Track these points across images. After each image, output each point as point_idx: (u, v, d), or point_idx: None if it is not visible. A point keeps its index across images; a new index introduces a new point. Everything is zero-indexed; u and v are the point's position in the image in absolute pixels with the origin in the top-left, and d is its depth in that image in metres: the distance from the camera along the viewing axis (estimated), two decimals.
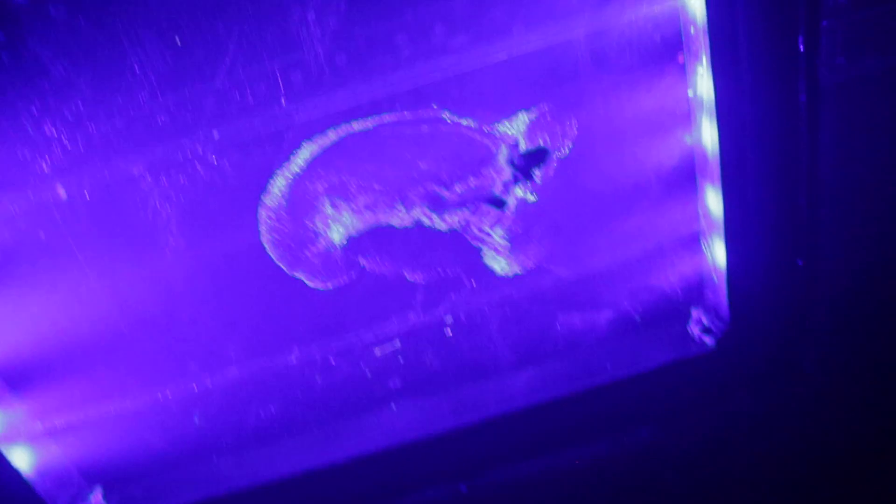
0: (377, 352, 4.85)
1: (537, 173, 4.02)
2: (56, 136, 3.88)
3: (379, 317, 4.74)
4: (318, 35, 3.77)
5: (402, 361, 4.92)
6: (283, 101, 3.96)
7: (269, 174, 4.21)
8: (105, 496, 4.90)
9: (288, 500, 4.77)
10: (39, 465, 4.67)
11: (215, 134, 4.03)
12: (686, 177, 4.34)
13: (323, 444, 5.01)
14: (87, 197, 4.10)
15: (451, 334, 4.79)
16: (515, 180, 4.07)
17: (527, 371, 4.89)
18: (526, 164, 3.99)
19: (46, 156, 3.93)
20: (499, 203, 4.08)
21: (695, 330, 4.67)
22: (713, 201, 4.25)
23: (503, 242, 4.32)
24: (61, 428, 4.70)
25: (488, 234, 4.26)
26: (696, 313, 4.72)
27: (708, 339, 4.59)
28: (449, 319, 4.73)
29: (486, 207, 4.13)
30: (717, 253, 4.38)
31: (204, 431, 4.90)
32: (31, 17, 3.59)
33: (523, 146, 4.03)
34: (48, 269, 4.25)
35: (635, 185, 4.36)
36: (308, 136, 4.13)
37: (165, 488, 4.94)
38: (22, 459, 4.57)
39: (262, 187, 4.24)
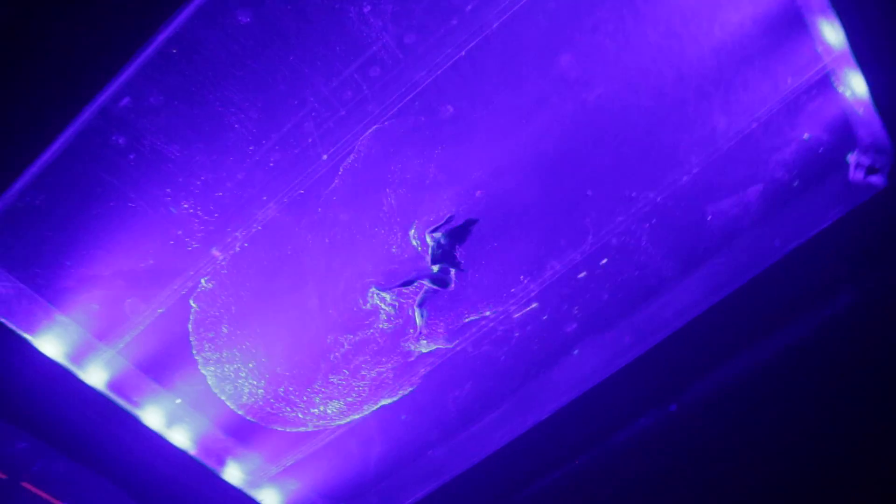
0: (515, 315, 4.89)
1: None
2: (193, 209, 4.26)
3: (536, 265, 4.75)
4: None
5: (574, 308, 4.90)
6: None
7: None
8: None
9: (506, 466, 4.90)
10: (286, 501, 5.15)
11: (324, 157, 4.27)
12: (793, 18, 4.02)
13: (524, 408, 5.10)
14: (240, 247, 4.46)
15: (606, 262, 4.71)
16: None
17: (694, 275, 4.70)
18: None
19: (193, 228, 4.32)
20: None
21: (858, 175, 4.29)
22: (830, 33, 3.91)
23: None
24: (295, 463, 5.14)
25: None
26: (853, 158, 4.33)
27: (876, 179, 4.21)
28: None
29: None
30: (854, 84, 4.01)
31: (413, 427, 5.15)
32: (136, 113, 3.97)
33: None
34: (243, 327, 4.67)
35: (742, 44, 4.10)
36: None
37: (396, 491, 5.24)
38: (270, 499, 5.07)
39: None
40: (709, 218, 4.56)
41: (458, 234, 4.39)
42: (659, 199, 4.48)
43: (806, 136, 4.36)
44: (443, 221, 4.43)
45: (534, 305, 4.84)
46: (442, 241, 4.37)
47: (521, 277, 4.71)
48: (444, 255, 4.37)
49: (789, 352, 4.57)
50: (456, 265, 4.41)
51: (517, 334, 4.92)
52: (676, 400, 4.77)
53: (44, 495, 4.46)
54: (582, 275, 4.70)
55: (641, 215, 4.55)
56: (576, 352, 5.05)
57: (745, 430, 4.62)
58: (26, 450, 4.46)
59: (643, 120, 4.21)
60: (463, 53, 4.03)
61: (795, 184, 4.50)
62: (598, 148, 4.31)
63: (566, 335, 4.98)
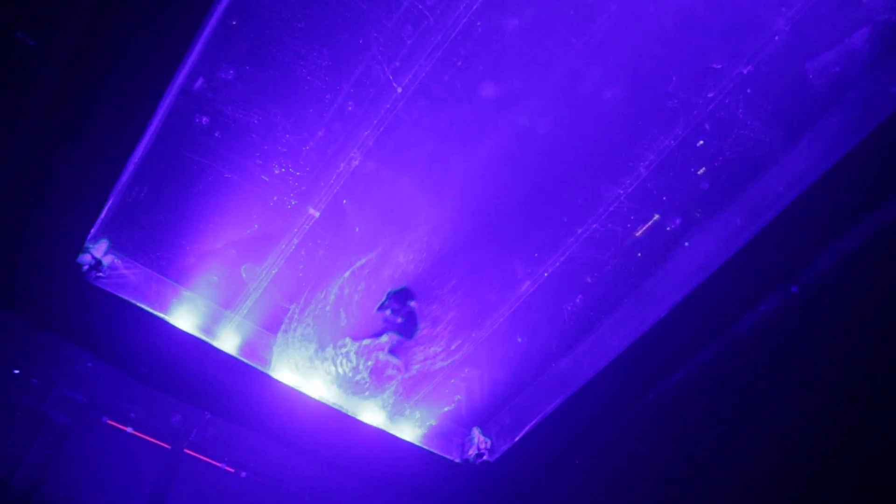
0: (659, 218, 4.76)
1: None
2: (284, 170, 4.37)
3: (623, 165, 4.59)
4: None
5: (677, 198, 4.71)
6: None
7: None
8: (483, 432, 5.47)
9: (631, 369, 4.88)
10: (423, 434, 5.38)
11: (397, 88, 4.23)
12: None
13: (642, 307, 5.03)
14: (342, 202, 4.55)
15: (702, 144, 4.48)
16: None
17: (802, 142, 4.39)
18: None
19: (286, 190, 4.44)
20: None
21: None
22: None
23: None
24: (426, 396, 5.35)
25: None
26: None
27: None
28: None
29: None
30: None
31: (532, 345, 5.21)
32: (213, 90, 4.06)
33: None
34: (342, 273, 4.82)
35: None
36: None
37: (526, 407, 5.36)
38: (409, 433, 5.32)
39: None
40: (811, 76, 4.20)
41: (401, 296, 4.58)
42: (749, 67, 4.16)
43: None
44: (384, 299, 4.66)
45: (656, 217, 4.72)
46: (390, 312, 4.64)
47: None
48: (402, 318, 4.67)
49: None
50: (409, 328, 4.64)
51: (621, 234, 4.81)
52: (795, 281, 4.54)
53: (205, 458, 4.88)
54: (702, 170, 4.49)
55: (733, 87, 4.25)
56: (686, 243, 4.89)
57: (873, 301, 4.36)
58: (181, 421, 4.88)
59: None
60: None
61: None
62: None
63: (673, 228, 4.82)
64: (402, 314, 4.86)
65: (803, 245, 4.59)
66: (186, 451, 4.90)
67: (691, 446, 4.94)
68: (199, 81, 4.03)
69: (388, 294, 4.79)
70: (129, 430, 4.73)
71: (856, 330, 4.59)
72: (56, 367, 4.59)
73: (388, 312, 4.78)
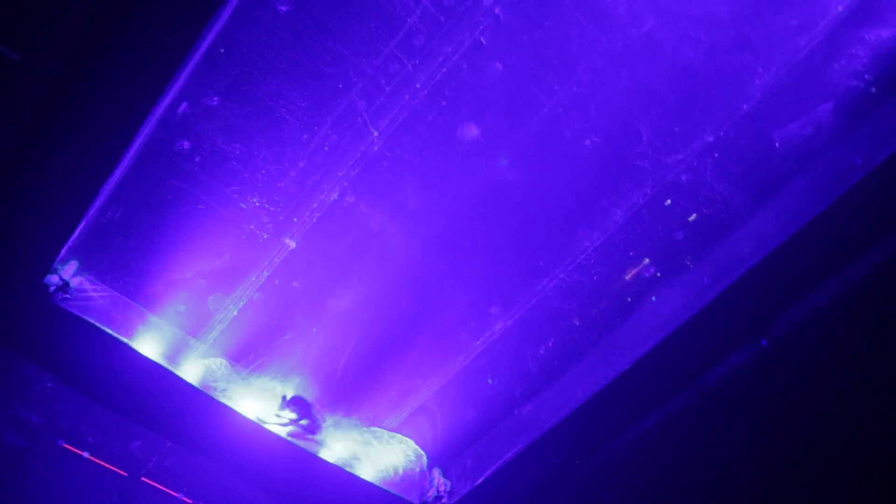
0: (629, 275, 4.84)
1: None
2: (259, 203, 4.40)
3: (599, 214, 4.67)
4: None
5: (644, 256, 4.82)
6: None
7: None
8: (443, 474, 5.44)
9: (595, 417, 4.91)
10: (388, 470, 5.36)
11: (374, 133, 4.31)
12: None
13: (608, 358, 5.08)
14: (307, 233, 4.57)
15: (670, 204, 4.59)
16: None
17: (768, 206, 4.52)
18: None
19: (262, 220, 4.47)
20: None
21: None
22: None
23: None
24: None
25: None
26: None
27: None
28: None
29: None
30: None
31: (497, 389, 5.23)
32: (196, 117, 4.11)
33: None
34: (315, 310, 4.83)
35: None
36: None
37: (489, 451, 5.35)
38: (370, 470, 5.29)
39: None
40: (777, 144, 4.34)
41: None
42: (720, 132, 4.30)
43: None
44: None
45: (645, 262, 4.79)
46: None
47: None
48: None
49: (881, 274, 4.35)
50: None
51: (588, 286, 4.88)
52: (765, 335, 4.63)
53: (163, 488, 4.80)
54: (670, 228, 4.58)
55: (702, 150, 4.38)
56: (653, 298, 4.97)
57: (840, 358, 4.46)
58: (140, 448, 4.80)
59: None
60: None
61: (872, 91, 4.21)
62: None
63: (640, 282, 4.90)
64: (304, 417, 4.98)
65: (771, 302, 4.69)
66: (144, 479, 4.81)
67: (656, 498, 4.95)
68: (183, 106, 4.07)
69: (283, 399, 4.96)
70: (86, 454, 4.64)
71: (824, 383, 4.67)
72: (14, 386, 4.51)
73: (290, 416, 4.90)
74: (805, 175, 4.39)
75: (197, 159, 4.18)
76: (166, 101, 3.91)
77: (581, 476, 5.07)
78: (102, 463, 4.64)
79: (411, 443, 5.53)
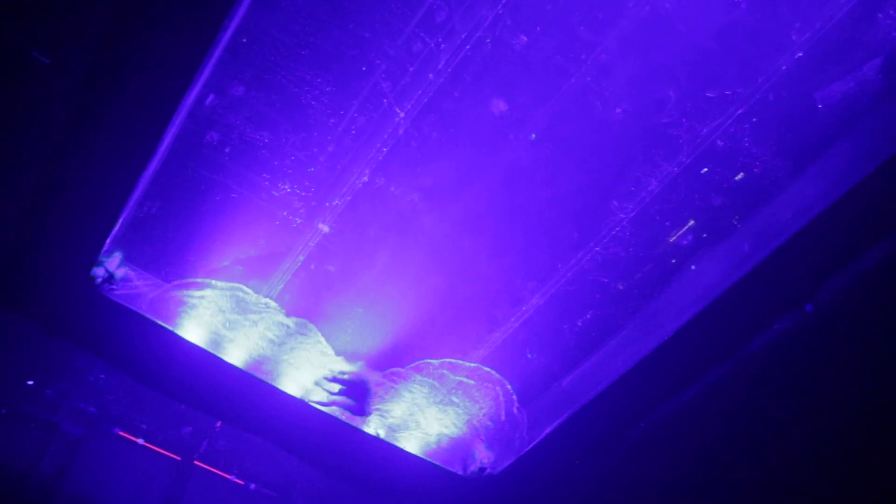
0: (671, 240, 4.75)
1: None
2: (291, 189, 4.44)
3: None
4: None
5: (687, 221, 4.71)
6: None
7: None
8: (487, 446, 5.52)
9: (633, 390, 4.89)
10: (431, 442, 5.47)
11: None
12: None
13: (646, 329, 5.03)
14: (340, 217, 4.60)
15: (707, 171, 4.45)
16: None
17: (810, 171, 4.35)
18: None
19: (295, 206, 4.51)
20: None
21: None
22: None
23: None
24: None
25: None
26: None
27: None
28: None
29: None
30: None
31: (537, 363, 5.24)
32: (223, 108, 4.14)
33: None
34: (350, 293, 4.90)
35: None
36: None
37: (531, 424, 5.40)
38: (413, 443, 5.40)
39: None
40: (819, 106, 4.15)
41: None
42: (757, 96, 4.12)
43: None
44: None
45: (690, 224, 4.70)
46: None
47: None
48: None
49: None
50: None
51: (624, 255, 4.81)
52: (810, 299, 4.52)
53: (215, 470, 5.01)
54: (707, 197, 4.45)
55: (738, 115, 4.22)
56: (693, 267, 4.87)
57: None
58: (191, 433, 5.00)
59: None
60: None
61: None
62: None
63: (678, 252, 4.80)
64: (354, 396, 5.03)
65: (812, 271, 4.56)
66: (197, 462, 5.01)
67: (701, 466, 4.94)
68: (210, 98, 4.10)
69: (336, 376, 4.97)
70: (141, 441, 4.85)
71: (871, 348, 4.56)
72: (69, 378, 4.72)
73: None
74: (849, 137, 4.20)
75: (227, 150, 4.22)
76: (193, 93, 3.94)
77: (621, 446, 5.08)
78: (157, 449, 4.85)
79: (454, 413, 5.61)
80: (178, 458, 4.94)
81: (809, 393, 4.73)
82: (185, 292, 4.88)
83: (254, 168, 4.41)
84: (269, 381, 5.05)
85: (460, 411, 5.49)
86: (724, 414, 4.95)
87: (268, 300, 4.79)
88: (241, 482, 5.07)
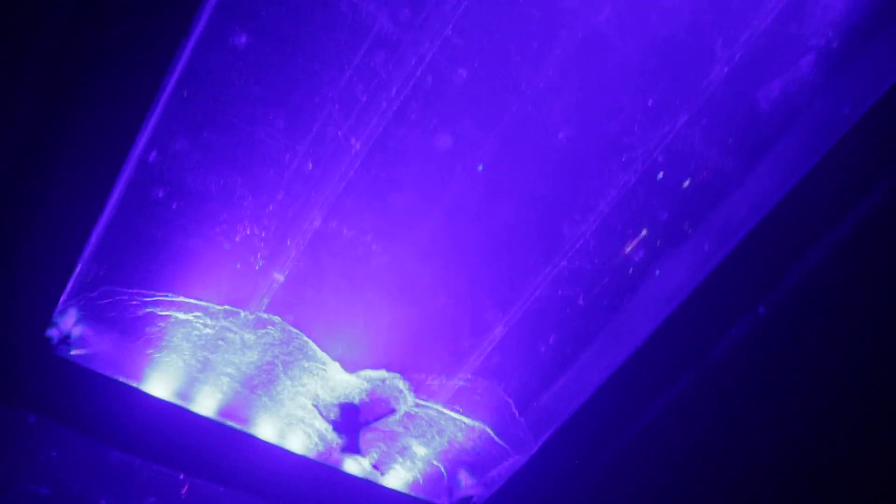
0: (629, 249, 4.78)
1: None
2: (245, 237, 4.36)
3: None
4: None
5: (642, 228, 4.75)
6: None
7: None
8: (470, 475, 5.44)
9: (611, 401, 4.88)
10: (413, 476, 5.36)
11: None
12: None
13: (615, 340, 5.04)
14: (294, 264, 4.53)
15: (662, 177, 4.51)
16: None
17: (761, 166, 4.43)
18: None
19: (250, 254, 4.43)
20: None
21: None
22: None
23: None
24: None
25: None
26: None
27: None
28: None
29: None
30: None
31: (516, 384, 5.19)
32: (167, 162, 4.07)
33: None
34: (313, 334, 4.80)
35: None
36: None
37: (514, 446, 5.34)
38: (396, 480, 5.29)
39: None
40: (762, 104, 4.24)
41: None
42: (703, 99, 4.20)
43: None
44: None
45: (643, 233, 4.72)
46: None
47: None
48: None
49: (877, 221, 4.28)
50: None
51: (590, 268, 4.81)
52: (762, 302, 4.59)
53: None
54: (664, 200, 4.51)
55: (687, 120, 4.29)
56: (657, 272, 4.91)
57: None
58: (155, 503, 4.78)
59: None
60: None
61: (853, 38, 4.09)
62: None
63: (640, 259, 4.83)
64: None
65: (771, 265, 4.63)
66: None
67: (676, 480, 4.93)
68: (153, 155, 4.02)
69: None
70: None
71: (825, 343, 4.64)
72: (20, 447, 4.50)
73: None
74: (794, 131, 4.30)
75: (174, 206, 4.14)
76: (138, 147, 3.86)
77: (602, 462, 5.05)
78: None
79: (438, 444, 5.52)
80: None
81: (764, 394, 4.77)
82: (152, 338, 4.73)
83: (204, 221, 4.31)
84: (244, 429, 4.92)
85: (443, 442, 5.41)
86: (704, 418, 4.97)
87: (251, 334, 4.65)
88: None
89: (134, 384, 4.61)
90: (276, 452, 4.97)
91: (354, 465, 5.28)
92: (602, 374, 4.97)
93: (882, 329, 4.47)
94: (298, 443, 5.10)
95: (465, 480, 5.38)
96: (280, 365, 4.85)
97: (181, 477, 4.78)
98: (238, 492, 4.99)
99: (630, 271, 4.84)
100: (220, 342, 4.77)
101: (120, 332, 4.61)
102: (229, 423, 4.87)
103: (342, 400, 5.02)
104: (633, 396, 4.96)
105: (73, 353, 4.44)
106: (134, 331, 4.65)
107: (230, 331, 4.68)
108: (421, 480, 5.45)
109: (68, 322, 4.50)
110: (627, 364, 4.87)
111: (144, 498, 4.75)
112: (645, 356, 4.86)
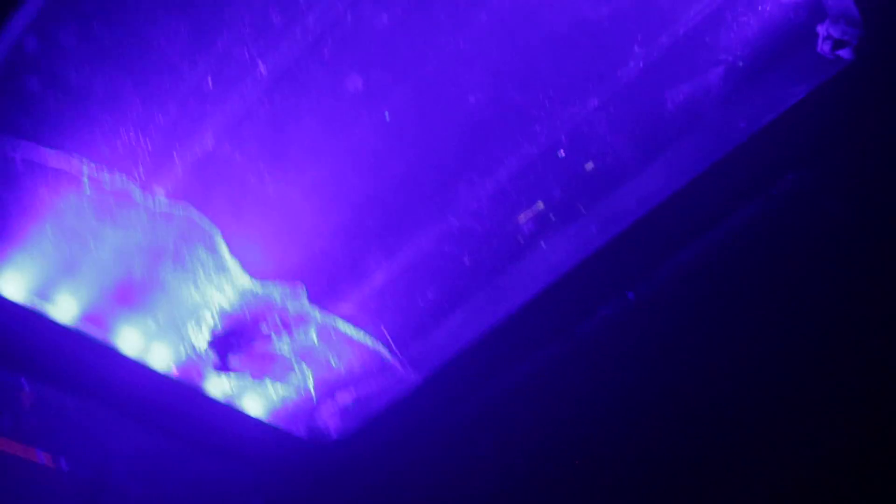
0: (522, 219, 4.84)
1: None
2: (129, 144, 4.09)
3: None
4: None
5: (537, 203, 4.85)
6: None
7: None
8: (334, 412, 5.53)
9: (480, 357, 5.05)
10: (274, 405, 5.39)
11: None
12: None
13: (494, 301, 5.18)
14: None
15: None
16: None
17: (657, 162, 4.59)
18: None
19: (132, 167, 4.17)
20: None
21: (826, 48, 4.05)
22: None
23: None
24: None
25: None
26: (822, 29, 4.06)
27: (843, 53, 3.99)
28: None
29: None
30: None
31: (390, 332, 5.25)
32: (47, 51, 3.69)
33: None
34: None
35: None
36: None
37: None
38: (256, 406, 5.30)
39: None
40: (668, 104, 4.36)
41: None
42: (615, 88, 4.27)
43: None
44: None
45: (539, 206, 4.79)
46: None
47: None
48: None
49: (750, 232, 4.59)
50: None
51: (478, 232, 4.88)
52: (632, 288, 4.86)
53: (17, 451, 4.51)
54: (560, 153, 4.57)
55: (596, 105, 4.36)
56: (543, 245, 5.05)
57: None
58: None
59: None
60: None
61: (760, 59, 4.27)
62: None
63: (530, 228, 4.94)
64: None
65: (647, 255, 4.88)
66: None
67: (532, 443, 5.21)
68: (32, 40, 3.64)
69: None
70: None
71: (687, 336, 4.98)
72: None
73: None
74: (692, 135, 4.47)
75: (52, 101, 3.79)
76: (14, 31, 3.48)
77: (459, 418, 5.27)
78: None
79: (307, 373, 5.53)
80: None
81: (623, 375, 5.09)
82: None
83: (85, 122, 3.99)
84: (103, 339, 4.73)
85: (311, 371, 5.43)
86: (564, 388, 5.24)
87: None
88: (52, 464, 4.60)
89: None
90: (135, 367, 4.83)
91: (218, 386, 5.23)
92: (474, 332, 5.13)
93: (738, 333, 4.82)
94: (164, 355, 4.95)
95: (327, 416, 5.47)
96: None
97: (25, 388, 4.54)
98: (89, 404, 4.82)
99: (517, 240, 4.94)
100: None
101: None
102: (88, 331, 4.66)
103: (225, 311, 4.90)
104: (501, 358, 5.16)
105: None
106: None
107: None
108: (282, 407, 5.49)
109: None
110: (500, 326, 5.05)
111: None
112: (518, 321, 5.05)
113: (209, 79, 3.97)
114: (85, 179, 4.11)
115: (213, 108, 4.06)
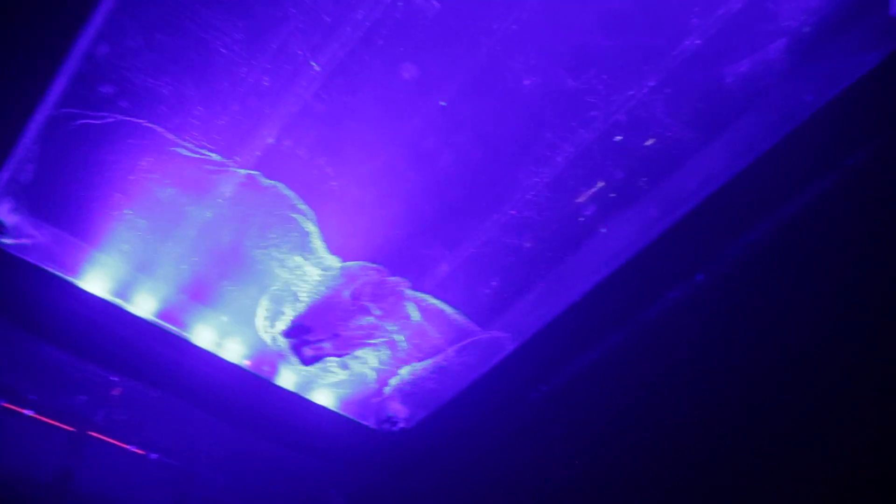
0: (582, 200, 4.79)
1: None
2: (193, 148, 4.26)
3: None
4: None
5: (597, 184, 4.78)
6: None
7: None
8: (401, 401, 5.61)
9: (540, 351, 5.03)
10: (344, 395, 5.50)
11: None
12: None
13: (558, 286, 5.14)
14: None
15: (621, 139, 4.50)
16: None
17: (717, 142, 4.45)
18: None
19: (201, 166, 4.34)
20: None
21: None
22: None
23: None
24: None
25: None
26: None
27: None
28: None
29: None
30: None
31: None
32: (119, 57, 3.89)
33: None
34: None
35: None
36: None
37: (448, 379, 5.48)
38: (325, 398, 5.42)
39: None
40: (728, 81, 4.22)
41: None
42: (671, 68, 4.16)
43: None
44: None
45: (601, 184, 4.74)
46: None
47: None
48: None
49: (820, 211, 4.38)
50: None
51: (538, 219, 4.85)
52: (703, 269, 4.71)
53: (112, 441, 4.80)
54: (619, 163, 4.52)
55: (653, 86, 4.25)
56: (604, 230, 4.97)
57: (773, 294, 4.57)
58: (87, 401, 4.79)
59: None
60: None
61: (825, 28, 4.07)
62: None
63: (590, 214, 4.88)
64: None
65: (714, 237, 4.73)
66: (92, 433, 4.81)
67: (601, 426, 5.15)
68: (104, 48, 3.85)
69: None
70: (29, 412, 4.63)
71: (757, 319, 4.81)
72: None
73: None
74: (755, 112, 4.31)
75: (123, 103, 4.00)
76: (86, 39, 3.68)
77: (529, 406, 5.25)
78: (47, 420, 4.62)
79: (376, 362, 5.61)
80: (73, 430, 4.73)
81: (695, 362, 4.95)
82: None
83: (155, 122, 4.19)
84: (181, 333, 4.95)
85: (378, 362, 5.51)
86: (632, 375, 5.15)
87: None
88: (142, 451, 4.88)
89: (71, 279, 4.57)
90: (210, 359, 5.03)
91: (290, 377, 5.38)
92: (539, 322, 5.10)
93: (812, 314, 4.63)
94: (237, 347, 5.14)
95: (395, 406, 5.54)
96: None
97: (114, 378, 4.80)
98: (170, 396, 5.06)
99: (577, 227, 4.89)
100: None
101: (58, 224, 4.53)
102: (166, 325, 4.88)
103: (306, 296, 4.98)
104: (566, 346, 5.12)
105: (5, 241, 4.35)
106: (73, 224, 4.57)
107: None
108: (352, 397, 5.60)
109: (4, 210, 4.40)
110: (564, 315, 5.01)
111: (75, 396, 4.76)
112: (582, 309, 4.99)
113: (266, 78, 4.10)
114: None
115: (271, 107, 4.18)
